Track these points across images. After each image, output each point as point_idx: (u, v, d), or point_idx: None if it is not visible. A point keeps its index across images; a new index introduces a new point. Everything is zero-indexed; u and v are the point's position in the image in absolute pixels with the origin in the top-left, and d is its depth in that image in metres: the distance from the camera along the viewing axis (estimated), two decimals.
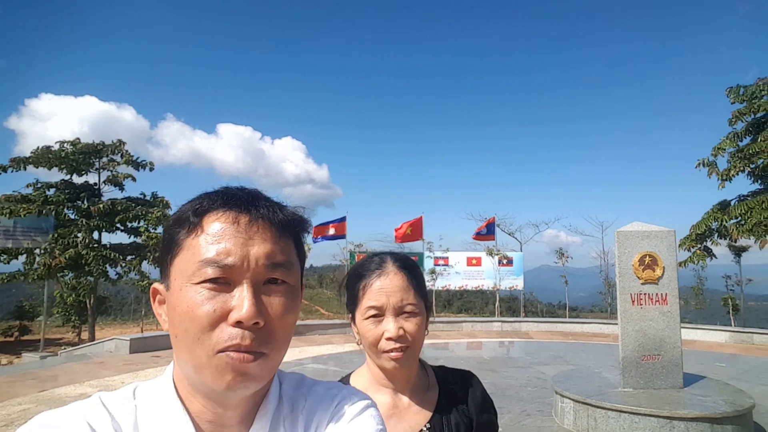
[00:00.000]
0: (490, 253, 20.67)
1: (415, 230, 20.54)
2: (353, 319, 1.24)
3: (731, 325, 16.38)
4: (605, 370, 6.49)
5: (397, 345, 1.14)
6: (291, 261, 0.72)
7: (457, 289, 22.00)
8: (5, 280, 18.65)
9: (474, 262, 21.00)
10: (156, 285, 0.74)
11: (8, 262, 18.44)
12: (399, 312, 1.16)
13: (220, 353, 0.64)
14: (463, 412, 1.25)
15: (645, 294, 5.61)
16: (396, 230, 20.89)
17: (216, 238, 0.67)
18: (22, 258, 18.40)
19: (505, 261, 20.79)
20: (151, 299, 0.75)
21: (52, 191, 19.68)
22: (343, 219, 20.36)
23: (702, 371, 6.72)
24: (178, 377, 0.71)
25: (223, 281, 0.66)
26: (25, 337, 20.52)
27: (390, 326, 1.15)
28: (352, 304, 1.23)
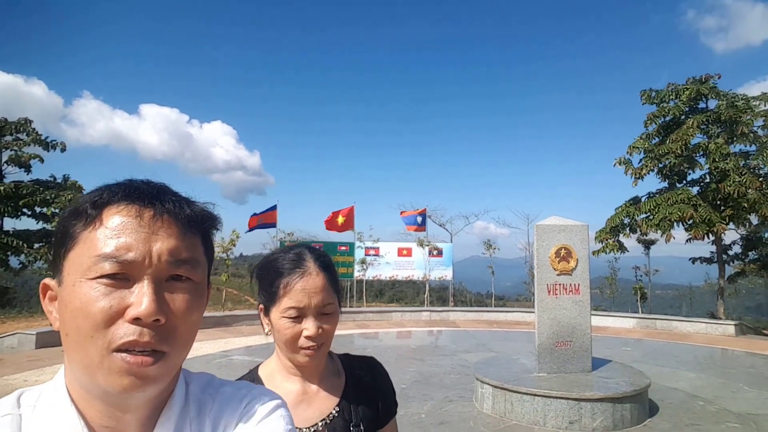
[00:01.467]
0: (421, 244, 21.10)
1: (347, 220, 20.55)
2: (266, 311, 1.25)
3: (639, 312, 17.84)
4: (523, 356, 6.85)
5: (315, 343, 1.20)
6: (197, 258, 0.70)
7: (388, 279, 22.28)
8: None
9: (405, 252, 21.36)
10: (47, 280, 0.69)
11: None
12: (319, 312, 1.21)
13: (115, 353, 0.61)
14: (369, 395, 1.33)
15: (560, 284, 5.97)
16: (326, 221, 20.79)
17: (116, 233, 0.64)
18: None
19: (435, 252, 21.31)
20: (41, 295, 0.70)
21: None
22: (273, 207, 19.99)
23: (610, 355, 7.27)
24: (71, 381, 0.67)
25: (122, 277, 0.63)
26: None
27: (310, 326, 1.19)
28: (270, 301, 1.24)
